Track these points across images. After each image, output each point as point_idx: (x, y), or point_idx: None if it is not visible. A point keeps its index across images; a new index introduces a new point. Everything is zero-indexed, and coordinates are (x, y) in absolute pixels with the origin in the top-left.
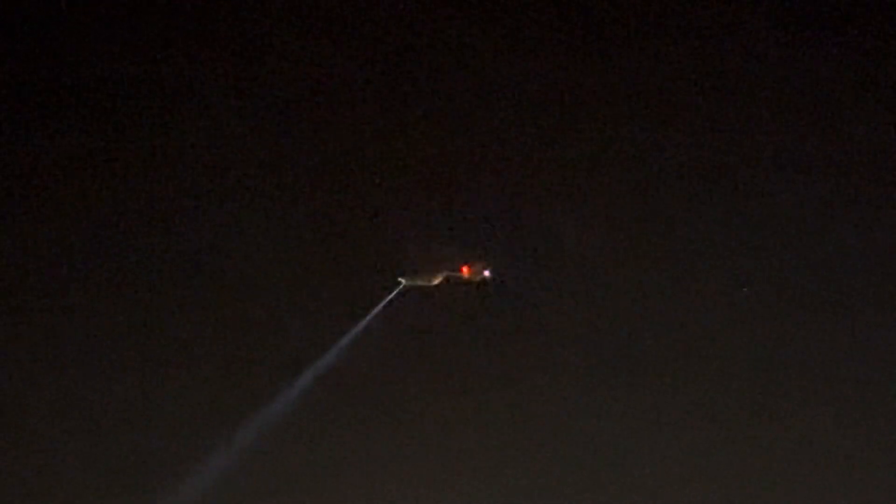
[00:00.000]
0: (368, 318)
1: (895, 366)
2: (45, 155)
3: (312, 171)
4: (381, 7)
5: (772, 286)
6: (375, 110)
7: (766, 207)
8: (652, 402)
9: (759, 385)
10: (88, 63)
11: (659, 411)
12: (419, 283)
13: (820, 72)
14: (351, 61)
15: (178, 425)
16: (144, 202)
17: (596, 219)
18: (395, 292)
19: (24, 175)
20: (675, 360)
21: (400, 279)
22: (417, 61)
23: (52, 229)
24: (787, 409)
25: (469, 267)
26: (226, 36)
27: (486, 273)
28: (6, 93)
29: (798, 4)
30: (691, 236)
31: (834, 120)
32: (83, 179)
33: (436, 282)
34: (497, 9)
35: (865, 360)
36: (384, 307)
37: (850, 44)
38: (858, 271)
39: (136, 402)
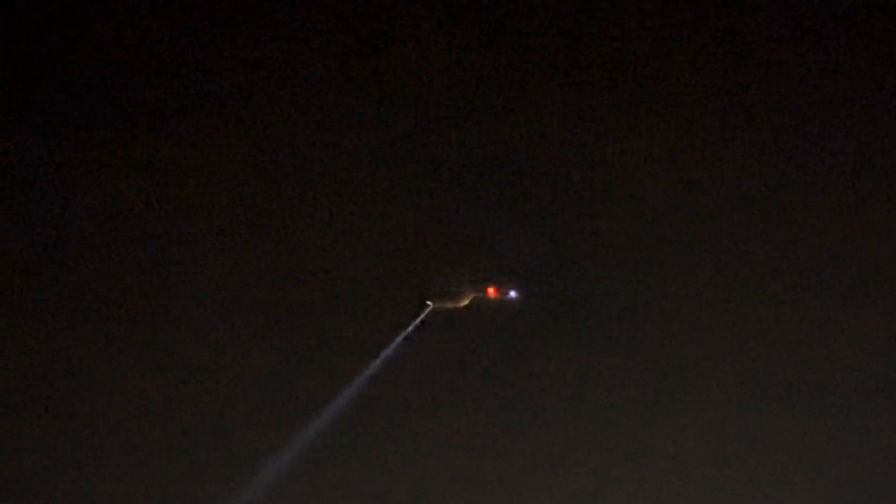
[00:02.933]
0: (398, 340)
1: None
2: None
3: (339, 194)
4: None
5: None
6: (401, 133)
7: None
8: (684, 417)
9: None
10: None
11: (692, 425)
12: (447, 304)
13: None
14: (375, 85)
15: (221, 439)
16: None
17: (624, 237)
18: (423, 314)
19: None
20: (706, 374)
21: (428, 301)
22: (442, 88)
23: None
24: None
25: (495, 288)
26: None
27: (513, 293)
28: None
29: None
30: (720, 249)
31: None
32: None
33: (463, 303)
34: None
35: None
36: (414, 329)
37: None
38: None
39: (158, 428)
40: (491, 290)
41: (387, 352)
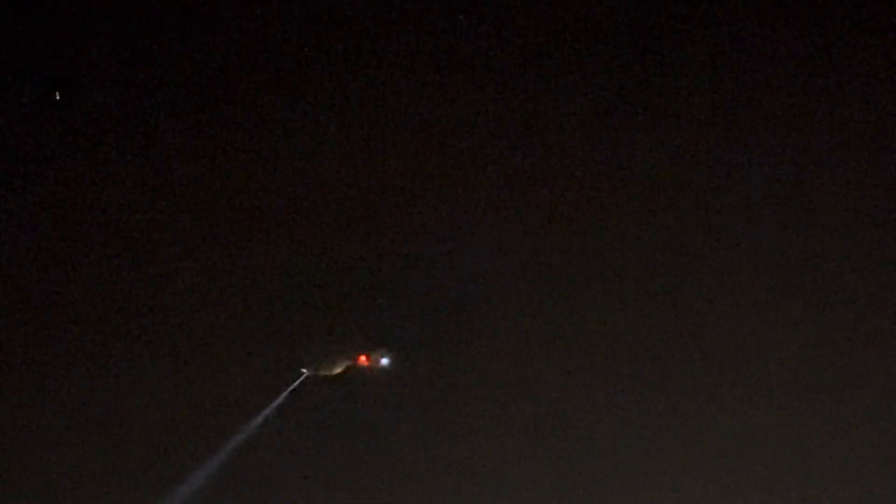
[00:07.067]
0: (272, 407)
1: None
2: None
3: (218, 263)
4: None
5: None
6: (281, 202)
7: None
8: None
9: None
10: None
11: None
12: (321, 372)
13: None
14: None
15: None
16: None
17: (496, 303)
18: (297, 382)
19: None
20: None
21: (303, 370)
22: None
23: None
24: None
25: (367, 356)
26: None
27: (385, 361)
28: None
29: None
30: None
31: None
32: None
33: (337, 371)
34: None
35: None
36: (287, 396)
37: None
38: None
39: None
40: (363, 359)
41: (259, 418)
